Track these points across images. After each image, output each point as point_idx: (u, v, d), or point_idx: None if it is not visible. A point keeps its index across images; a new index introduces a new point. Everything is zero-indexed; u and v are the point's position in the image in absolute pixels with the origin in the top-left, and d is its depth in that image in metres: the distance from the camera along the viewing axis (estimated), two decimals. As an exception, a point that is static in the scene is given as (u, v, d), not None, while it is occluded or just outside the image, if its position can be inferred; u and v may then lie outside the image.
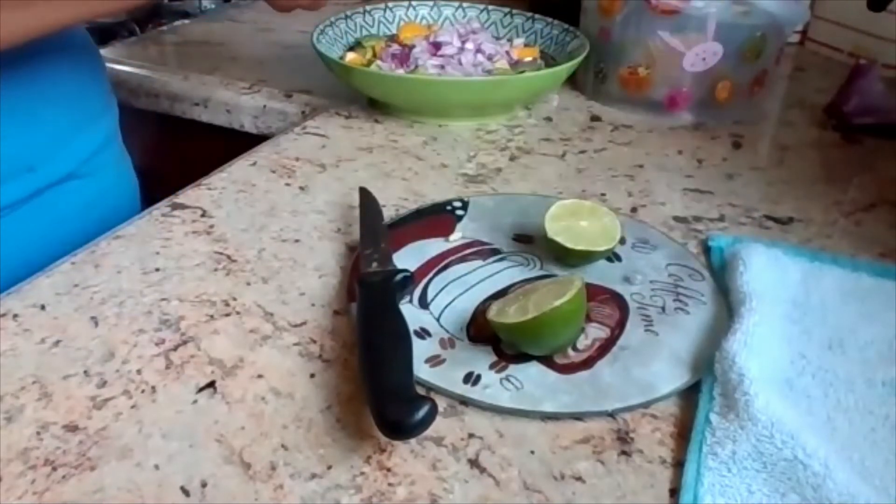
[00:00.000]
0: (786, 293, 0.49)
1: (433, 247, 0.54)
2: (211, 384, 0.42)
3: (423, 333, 0.46)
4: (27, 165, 0.57)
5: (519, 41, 0.83)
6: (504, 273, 0.51)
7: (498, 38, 0.84)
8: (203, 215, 0.58)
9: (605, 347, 0.45)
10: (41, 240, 0.56)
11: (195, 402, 0.41)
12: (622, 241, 0.54)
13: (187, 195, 0.60)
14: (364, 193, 0.58)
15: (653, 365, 0.44)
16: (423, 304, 0.48)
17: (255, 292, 0.50)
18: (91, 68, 0.64)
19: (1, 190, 0.55)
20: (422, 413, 0.36)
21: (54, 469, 0.37)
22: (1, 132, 0.54)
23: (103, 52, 0.83)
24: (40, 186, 0.58)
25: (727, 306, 0.48)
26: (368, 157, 0.68)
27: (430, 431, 0.37)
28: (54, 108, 0.58)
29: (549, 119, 0.78)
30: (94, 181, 0.64)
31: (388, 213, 0.58)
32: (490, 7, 0.87)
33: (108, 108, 0.67)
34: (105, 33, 1.04)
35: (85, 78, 0.63)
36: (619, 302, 0.49)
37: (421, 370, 0.42)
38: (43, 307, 0.47)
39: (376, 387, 0.38)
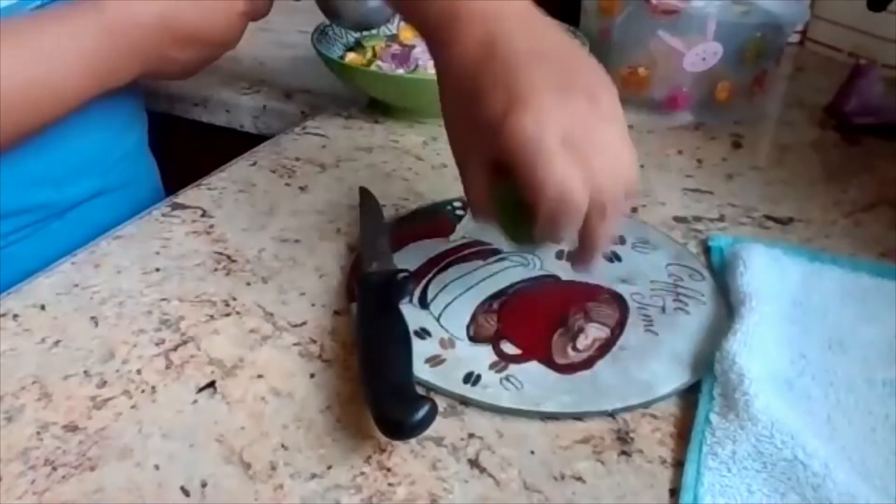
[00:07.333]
0: (786, 293, 0.49)
1: (433, 247, 0.54)
2: (211, 384, 0.42)
3: (423, 333, 0.45)
4: (90, 164, 0.60)
5: (519, 41, 0.83)
6: (504, 273, 0.51)
7: (498, 38, 0.84)
8: (203, 215, 0.58)
9: (605, 347, 0.45)
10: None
11: (195, 402, 0.41)
12: (622, 240, 0.54)
13: (187, 195, 0.60)
14: (364, 193, 0.58)
15: (653, 365, 0.44)
16: (423, 304, 0.48)
17: (255, 292, 0.50)
18: None
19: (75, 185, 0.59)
20: (422, 413, 0.36)
21: (54, 469, 0.37)
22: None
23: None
24: (103, 187, 0.62)
25: (727, 306, 0.48)
26: (368, 157, 0.68)
27: (430, 431, 0.37)
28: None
29: (549, 119, 0.78)
30: (131, 189, 0.66)
31: (388, 213, 0.58)
32: (490, 7, 0.87)
33: (140, 115, 0.69)
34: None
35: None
36: (619, 302, 0.49)
37: (421, 370, 0.42)
38: (43, 307, 0.47)
39: (376, 387, 0.38)
